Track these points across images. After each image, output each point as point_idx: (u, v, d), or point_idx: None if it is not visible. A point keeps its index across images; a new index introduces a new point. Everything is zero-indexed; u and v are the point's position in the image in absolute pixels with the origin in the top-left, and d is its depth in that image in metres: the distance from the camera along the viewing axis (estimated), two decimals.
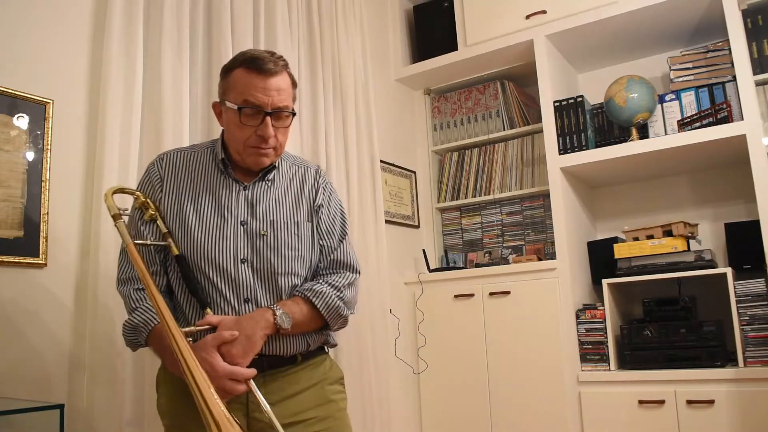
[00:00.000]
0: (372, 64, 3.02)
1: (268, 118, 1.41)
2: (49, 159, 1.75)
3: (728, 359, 2.48)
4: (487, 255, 3.26)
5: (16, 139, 1.70)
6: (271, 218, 1.46)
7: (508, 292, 2.83)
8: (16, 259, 1.66)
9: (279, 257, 1.43)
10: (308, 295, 1.43)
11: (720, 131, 2.51)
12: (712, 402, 2.36)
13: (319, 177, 1.58)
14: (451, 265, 3.29)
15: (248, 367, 1.33)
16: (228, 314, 1.38)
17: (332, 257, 1.52)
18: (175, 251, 1.42)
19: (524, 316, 2.78)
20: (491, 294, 2.87)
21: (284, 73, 1.46)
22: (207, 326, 1.34)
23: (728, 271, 2.46)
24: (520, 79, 3.33)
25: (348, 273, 1.52)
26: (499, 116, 3.29)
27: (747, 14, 2.54)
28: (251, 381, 1.31)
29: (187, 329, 1.31)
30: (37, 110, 1.74)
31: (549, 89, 2.91)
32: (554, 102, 2.91)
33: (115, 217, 1.39)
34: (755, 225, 2.41)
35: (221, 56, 2.17)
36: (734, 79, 2.56)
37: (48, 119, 1.76)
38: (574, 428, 2.62)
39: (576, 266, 2.82)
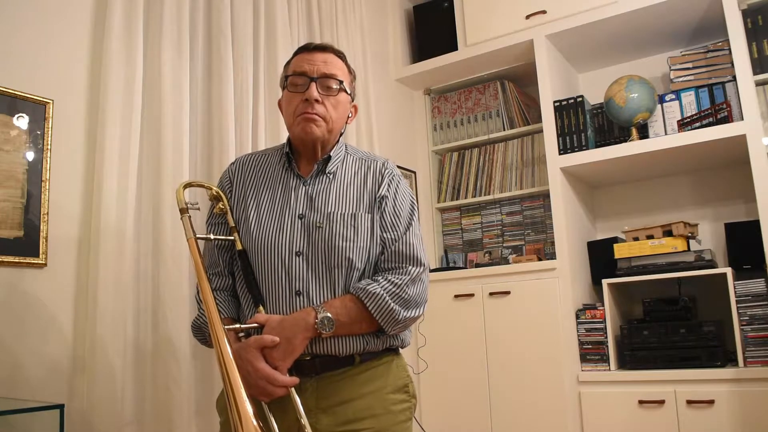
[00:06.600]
0: (372, 64, 3.02)
1: (314, 84, 1.43)
2: (49, 159, 1.75)
3: (728, 359, 2.48)
4: (487, 255, 3.26)
5: (16, 139, 1.69)
6: (329, 210, 1.42)
7: (508, 292, 2.83)
8: (16, 259, 1.65)
9: (333, 249, 1.38)
10: (360, 295, 1.34)
11: (720, 131, 2.51)
12: (712, 402, 2.36)
13: (385, 169, 1.52)
14: (451, 265, 3.29)
15: (300, 368, 1.32)
16: (279, 307, 1.36)
17: (394, 248, 1.42)
18: (239, 246, 1.43)
19: (524, 316, 2.78)
20: (491, 294, 2.87)
21: (333, 53, 1.50)
22: (255, 325, 1.33)
23: (728, 271, 2.46)
24: (520, 79, 3.33)
25: (411, 267, 1.40)
26: (499, 116, 3.28)
27: (747, 14, 2.54)
28: (291, 388, 1.29)
29: (233, 327, 1.33)
30: (37, 110, 1.74)
31: (549, 89, 2.91)
32: (554, 102, 2.91)
33: (182, 212, 1.41)
34: (755, 225, 2.41)
35: (221, 56, 2.18)
36: (734, 79, 2.56)
37: (48, 119, 1.76)
38: (573, 428, 2.62)
39: (576, 266, 2.82)
